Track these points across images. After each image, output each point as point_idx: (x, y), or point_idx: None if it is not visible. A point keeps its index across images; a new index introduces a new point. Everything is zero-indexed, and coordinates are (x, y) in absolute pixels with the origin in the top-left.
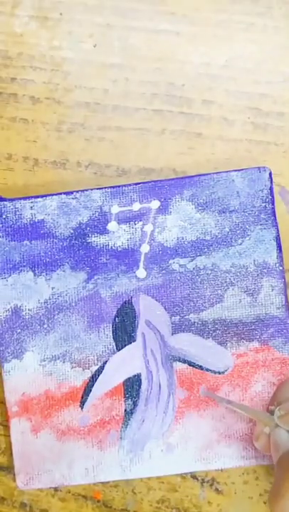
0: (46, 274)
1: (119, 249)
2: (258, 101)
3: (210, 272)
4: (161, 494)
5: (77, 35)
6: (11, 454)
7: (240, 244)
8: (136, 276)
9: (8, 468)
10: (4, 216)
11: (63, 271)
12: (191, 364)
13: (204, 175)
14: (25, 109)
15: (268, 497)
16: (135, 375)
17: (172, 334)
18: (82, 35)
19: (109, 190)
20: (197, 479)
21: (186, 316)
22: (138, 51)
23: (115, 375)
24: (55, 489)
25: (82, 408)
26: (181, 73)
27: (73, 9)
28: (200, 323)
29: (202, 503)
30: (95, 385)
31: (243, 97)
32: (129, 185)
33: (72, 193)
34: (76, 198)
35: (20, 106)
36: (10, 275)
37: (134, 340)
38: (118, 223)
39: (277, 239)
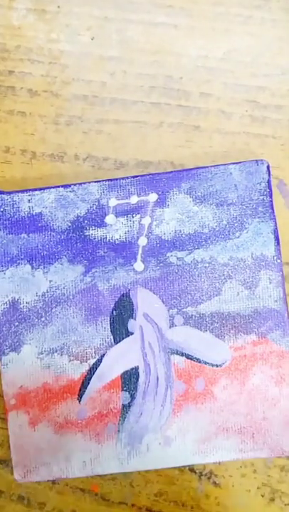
0: (44, 267)
1: (116, 242)
2: (255, 94)
3: (208, 265)
4: (158, 487)
5: (75, 28)
6: (9, 447)
7: (238, 237)
8: (133, 269)
9: (6, 462)
10: (2, 209)
11: (61, 264)
12: (188, 357)
13: (202, 168)
14: (22, 102)
15: None
16: (133, 368)
17: (170, 327)
18: (80, 28)
19: (106, 183)
20: (195, 472)
21: (184, 309)
22: (136, 44)
23: (113, 368)
24: (53, 482)
25: (79, 401)
26: (178, 66)
27: (71, 2)
28: (198, 316)
29: (200, 496)
30: (92, 378)
31: (241, 89)
32: (127, 178)
33: (69, 186)
34: (74, 191)
35: (17, 99)
36: (7, 268)
37: (132, 333)
38: (116, 216)
39: (275, 232)
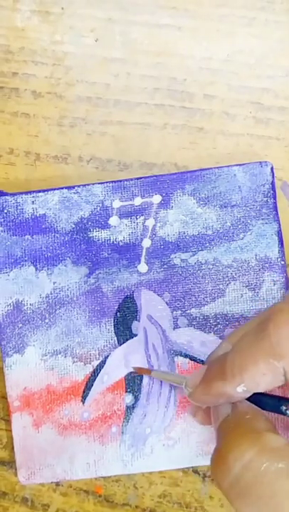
0: (48, 269)
1: (120, 243)
2: (259, 95)
3: (211, 266)
4: (162, 489)
5: (79, 30)
6: (13, 448)
7: (242, 238)
8: (137, 270)
9: (10, 463)
10: (6, 211)
11: (65, 265)
12: (192, 359)
13: (206, 169)
14: (26, 103)
15: (211, 463)
16: None
17: (174, 329)
18: (83, 29)
19: (110, 184)
20: (199, 474)
21: (188, 311)
22: (140, 46)
23: (117, 369)
24: (57, 484)
25: (83, 403)
26: (182, 68)
27: (75, 4)
28: (201, 317)
29: (204, 497)
30: (96, 380)
31: (245, 91)
32: (131, 179)
33: (73, 187)
34: (78, 192)
35: (21, 100)
36: (11, 270)
37: (136, 335)
38: (120, 218)
39: (279, 233)
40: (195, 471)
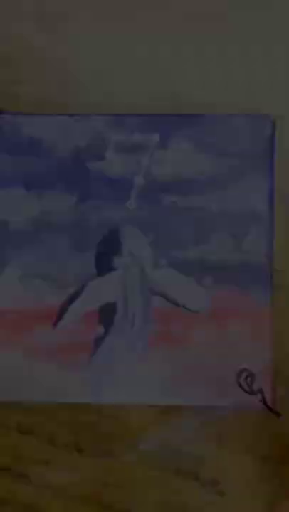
0: (37, 192)
1: (113, 177)
2: None
3: (200, 211)
4: (162, 496)
5: (80, 39)
6: (12, 455)
7: (234, 188)
8: (126, 206)
9: (10, 470)
10: (3, 130)
11: (55, 191)
12: (168, 299)
13: (208, 115)
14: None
15: None
16: (111, 303)
17: (154, 268)
18: (85, 38)
19: (111, 117)
20: (199, 480)
21: (170, 252)
22: (140, 53)
23: (92, 300)
24: (56, 490)
25: (54, 328)
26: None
27: (76, 12)
28: (183, 260)
29: (204, 504)
30: (70, 307)
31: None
32: (132, 115)
33: (73, 115)
34: (77, 121)
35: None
36: (1, 188)
37: (116, 269)
38: (115, 152)
39: (271, 188)
40: (195, 478)
